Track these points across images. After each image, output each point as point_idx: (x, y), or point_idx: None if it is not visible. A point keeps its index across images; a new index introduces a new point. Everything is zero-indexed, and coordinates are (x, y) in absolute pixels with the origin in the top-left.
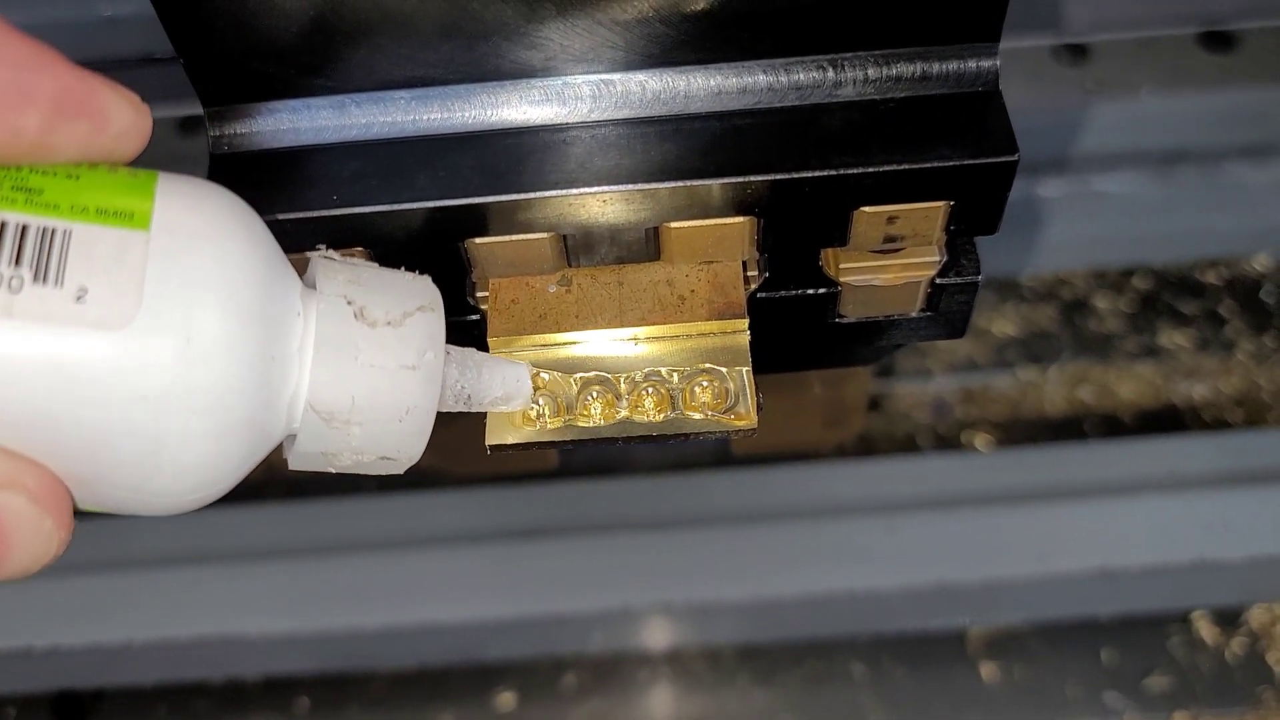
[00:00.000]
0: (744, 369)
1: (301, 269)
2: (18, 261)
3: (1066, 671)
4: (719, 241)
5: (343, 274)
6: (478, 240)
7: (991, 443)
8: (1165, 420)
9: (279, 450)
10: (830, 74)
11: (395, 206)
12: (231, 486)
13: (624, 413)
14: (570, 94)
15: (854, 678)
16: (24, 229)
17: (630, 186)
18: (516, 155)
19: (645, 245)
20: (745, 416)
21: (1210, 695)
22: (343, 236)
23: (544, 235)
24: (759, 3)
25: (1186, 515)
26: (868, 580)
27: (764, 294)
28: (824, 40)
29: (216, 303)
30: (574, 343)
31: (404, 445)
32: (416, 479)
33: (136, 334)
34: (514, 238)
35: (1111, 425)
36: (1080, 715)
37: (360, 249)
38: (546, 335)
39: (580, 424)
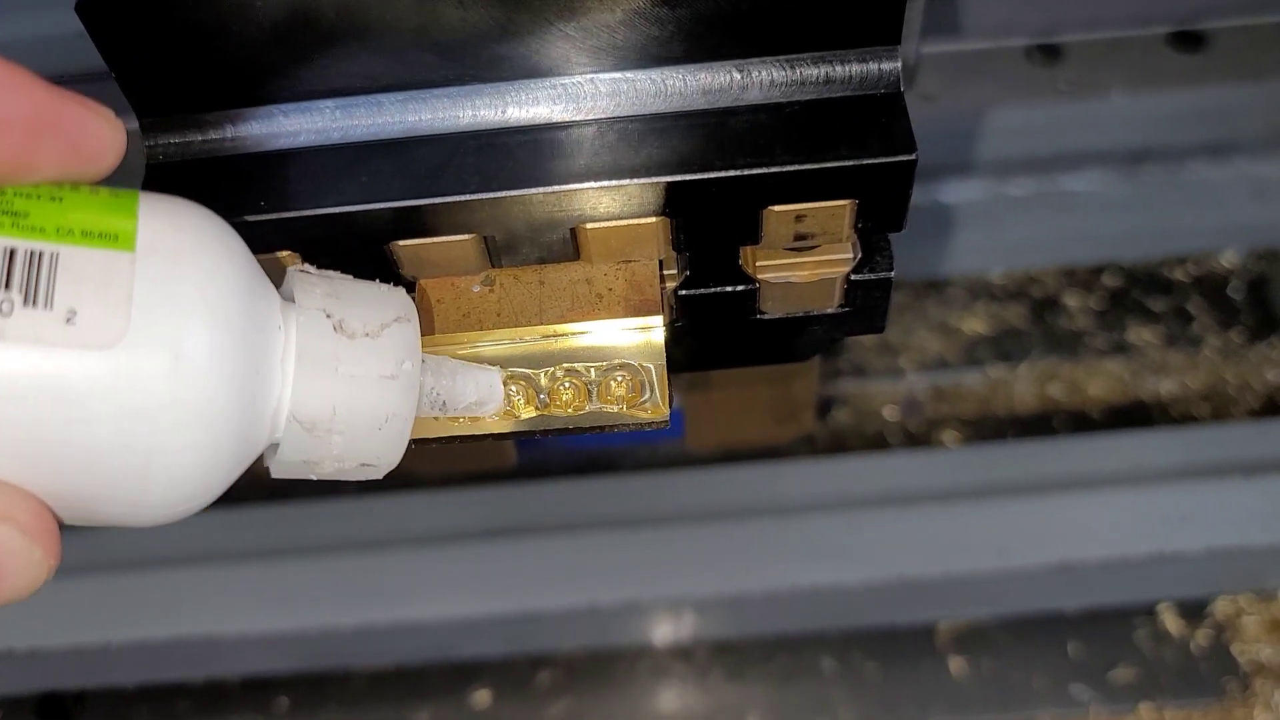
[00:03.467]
0: (656, 364)
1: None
2: (7, 285)
3: (1033, 664)
4: (634, 241)
5: (320, 287)
6: (402, 242)
7: (961, 440)
8: (1134, 416)
9: (259, 459)
10: (737, 77)
11: (321, 211)
12: (217, 496)
13: (543, 407)
14: (484, 102)
15: (824, 672)
16: (12, 253)
17: (545, 189)
18: (436, 160)
19: (565, 245)
20: (656, 409)
21: (1176, 686)
22: (271, 241)
23: (466, 237)
24: (668, 10)
25: (1152, 508)
26: (836, 576)
27: (686, 291)
28: (731, 45)
29: (202, 319)
30: (497, 340)
31: (384, 452)
32: (391, 481)
33: (126, 352)
34: (437, 240)
35: (1080, 421)
36: (1047, 707)
37: (288, 252)
38: (470, 333)
39: (502, 418)
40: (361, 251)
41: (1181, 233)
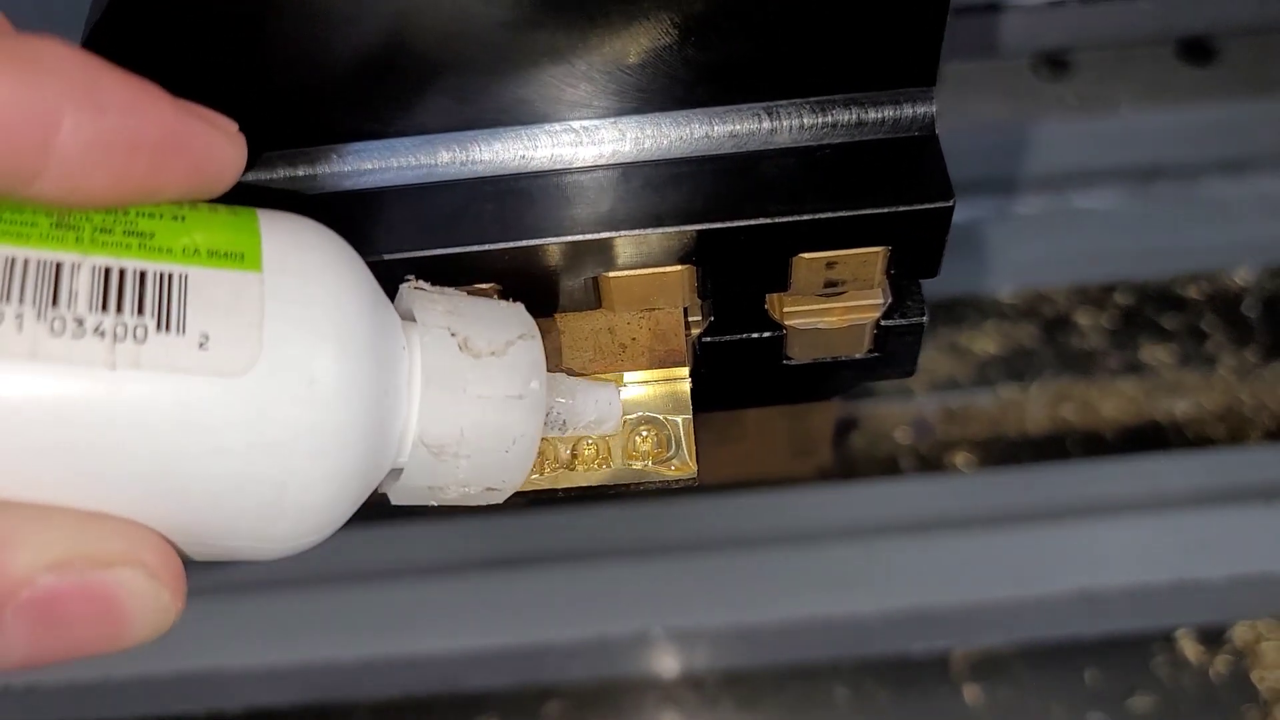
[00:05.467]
0: (683, 418)
1: None
2: (140, 310)
3: (1050, 692)
4: (658, 289)
5: (440, 304)
6: None
7: (973, 462)
8: (1148, 437)
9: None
10: (766, 122)
11: None
12: (339, 527)
13: (564, 464)
14: (503, 145)
15: (837, 702)
16: (142, 275)
17: (566, 238)
18: (453, 207)
19: (586, 293)
20: (684, 466)
21: (1194, 714)
22: None
23: (485, 286)
24: (694, 53)
25: (1172, 534)
26: (849, 606)
27: (710, 338)
28: (760, 88)
29: (334, 342)
30: None
31: (509, 475)
32: (396, 510)
33: (260, 379)
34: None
35: (1094, 443)
36: None
37: None
38: None
39: None
40: None
41: (1194, 250)
